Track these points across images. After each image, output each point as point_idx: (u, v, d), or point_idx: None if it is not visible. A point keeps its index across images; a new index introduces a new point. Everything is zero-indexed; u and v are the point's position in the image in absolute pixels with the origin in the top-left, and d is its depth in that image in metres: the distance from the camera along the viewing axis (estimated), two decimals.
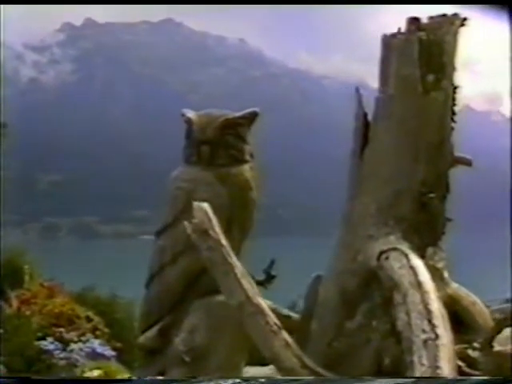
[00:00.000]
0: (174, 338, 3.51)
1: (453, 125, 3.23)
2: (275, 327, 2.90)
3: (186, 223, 3.16)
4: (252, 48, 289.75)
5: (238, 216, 3.61)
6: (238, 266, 3.02)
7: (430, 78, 3.14)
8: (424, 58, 3.15)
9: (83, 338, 8.60)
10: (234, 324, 3.50)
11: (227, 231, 3.47)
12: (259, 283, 3.76)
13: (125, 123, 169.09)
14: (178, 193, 3.63)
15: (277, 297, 3.59)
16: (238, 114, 3.71)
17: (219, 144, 3.64)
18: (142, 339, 3.60)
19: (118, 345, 9.50)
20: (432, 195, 3.14)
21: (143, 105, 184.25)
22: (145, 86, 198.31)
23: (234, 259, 3.04)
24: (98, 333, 9.30)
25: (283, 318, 3.62)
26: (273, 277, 3.84)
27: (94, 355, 8.70)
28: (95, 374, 7.58)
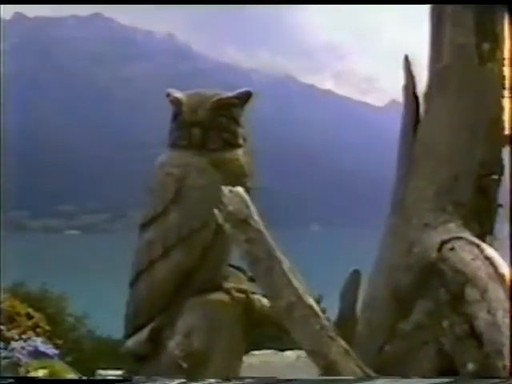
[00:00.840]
0: (168, 342, 3.14)
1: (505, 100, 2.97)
2: (332, 332, 2.55)
3: (216, 211, 2.78)
4: (181, 43, 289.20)
5: None
6: (285, 261, 2.67)
7: (486, 46, 2.89)
8: (479, 25, 2.88)
9: (24, 336, 8.31)
10: (234, 324, 3.25)
11: (220, 224, 3.20)
12: (252, 279, 3.45)
13: (54, 118, 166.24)
14: (168, 180, 3.25)
15: None
16: (231, 94, 3.37)
17: (211, 126, 3.29)
18: (130, 344, 3.21)
19: (59, 342, 9.25)
20: (493, 177, 2.87)
21: (71, 99, 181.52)
22: (74, 80, 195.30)
23: (278, 252, 2.68)
24: (38, 330, 9.06)
25: None
26: None
27: (37, 354, 8.41)
28: (40, 373, 7.34)
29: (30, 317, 8.93)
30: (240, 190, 2.80)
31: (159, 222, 3.23)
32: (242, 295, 3.30)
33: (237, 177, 3.27)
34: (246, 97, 3.38)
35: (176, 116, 3.37)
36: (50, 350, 8.91)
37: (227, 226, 2.71)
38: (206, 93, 3.36)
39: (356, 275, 3.18)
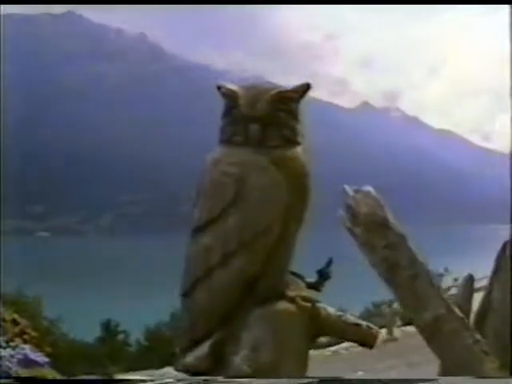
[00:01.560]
0: (232, 357, 2.87)
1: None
2: (485, 346, 2.30)
3: (341, 212, 2.52)
4: (153, 41, 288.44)
5: (295, 207, 3.01)
6: (430, 269, 2.41)
7: None
8: None
9: (12, 344, 8.12)
10: (300, 335, 3.01)
11: (285, 226, 2.96)
12: (311, 286, 3.22)
13: (23, 117, 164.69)
14: (225, 179, 2.96)
15: None
16: (290, 87, 3.11)
17: (271, 122, 3.02)
18: (190, 360, 2.92)
19: (48, 349, 9.02)
20: None
21: (42, 97, 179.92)
22: (44, 77, 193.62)
23: (420, 259, 2.43)
24: (25, 337, 8.84)
25: (353, 327, 3.11)
26: (326, 278, 3.28)
27: (27, 362, 8.22)
28: None
29: (16, 323, 8.75)
30: (371, 189, 2.54)
31: (217, 226, 2.96)
32: (308, 304, 3.06)
33: (299, 176, 3.03)
34: (304, 90, 3.13)
35: (230, 110, 3.10)
36: (41, 358, 8.65)
37: (359, 231, 2.44)
38: (263, 86, 3.11)
39: (471, 281, 2.94)
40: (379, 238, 2.49)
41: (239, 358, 2.86)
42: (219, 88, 3.16)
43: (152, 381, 3.08)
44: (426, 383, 3.08)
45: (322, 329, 3.11)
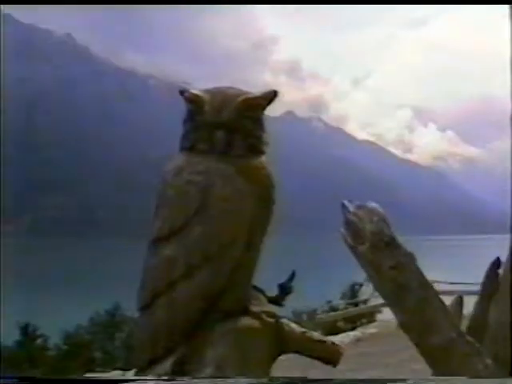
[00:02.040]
0: (195, 374, 2.73)
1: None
2: (496, 370, 2.21)
3: (342, 231, 2.38)
4: (79, 44, 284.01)
5: (260, 219, 2.89)
6: (437, 291, 2.30)
7: None
8: None
9: None
10: (264, 352, 2.91)
11: (250, 238, 2.85)
12: (272, 301, 3.11)
13: None
14: (190, 188, 2.81)
15: None
16: (257, 94, 2.98)
17: (237, 129, 2.90)
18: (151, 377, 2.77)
19: None
20: None
21: None
22: None
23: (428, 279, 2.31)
24: None
25: (318, 344, 3.01)
26: (288, 292, 3.17)
27: None
28: None
29: None
30: (375, 205, 2.42)
31: (180, 237, 2.80)
32: (272, 320, 2.94)
33: (265, 187, 2.92)
34: (271, 97, 3.01)
35: (193, 116, 2.95)
36: None
37: (363, 249, 2.31)
38: (229, 91, 2.97)
39: (459, 302, 2.86)
40: (386, 258, 2.36)
41: (204, 376, 2.72)
42: (182, 92, 3.01)
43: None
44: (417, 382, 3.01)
45: (286, 345, 3.00)
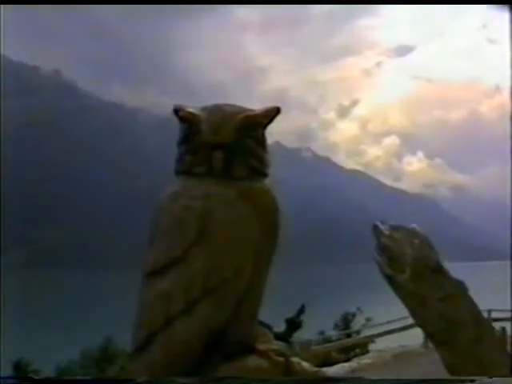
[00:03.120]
0: None
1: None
2: None
3: (377, 257, 2.09)
4: (66, 79, 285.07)
5: (266, 247, 2.63)
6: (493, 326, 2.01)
7: None
8: None
9: None
10: None
11: (255, 269, 2.57)
12: (279, 337, 2.83)
13: None
14: (187, 215, 2.54)
15: None
16: (258, 111, 2.74)
17: (237, 150, 2.64)
18: None
19: None
20: None
21: None
22: None
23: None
24: None
25: None
26: (297, 328, 2.90)
27: None
28: None
29: None
30: (414, 225, 2.14)
31: (178, 269, 2.53)
32: (281, 359, 2.66)
33: (269, 212, 2.66)
34: (274, 115, 2.77)
35: (189, 136, 2.70)
36: None
37: (403, 279, 2.01)
38: (227, 108, 2.73)
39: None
40: (433, 289, 2.03)
41: None
42: (176, 111, 2.76)
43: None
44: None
45: None
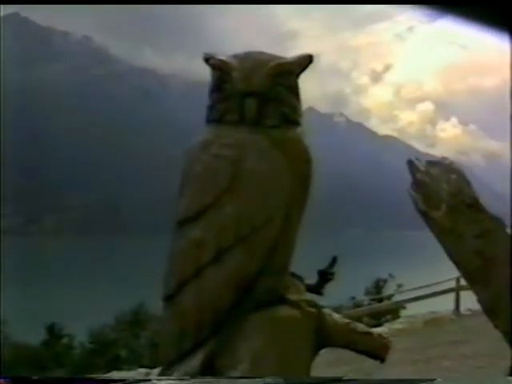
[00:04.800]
0: (228, 372, 2.42)
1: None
2: None
3: (412, 194, 2.03)
4: (97, 45, 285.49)
5: (298, 197, 2.58)
6: None
7: None
8: None
9: None
10: (305, 345, 2.56)
11: (287, 218, 2.52)
12: (311, 289, 2.78)
13: None
14: (219, 163, 2.51)
15: None
16: (291, 59, 2.67)
17: (270, 98, 2.58)
18: (179, 376, 2.45)
19: None
20: None
21: None
22: None
23: None
24: None
25: (363, 336, 2.70)
26: (329, 280, 2.86)
27: None
28: None
29: None
30: (452, 162, 2.06)
31: (209, 217, 2.49)
32: (313, 309, 2.62)
33: (302, 161, 2.60)
34: (306, 63, 2.70)
35: (221, 84, 2.64)
36: None
37: (438, 215, 1.94)
38: (259, 56, 2.67)
39: None
40: (469, 225, 1.95)
41: (238, 374, 2.39)
42: (207, 60, 2.71)
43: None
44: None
45: (328, 338, 2.67)
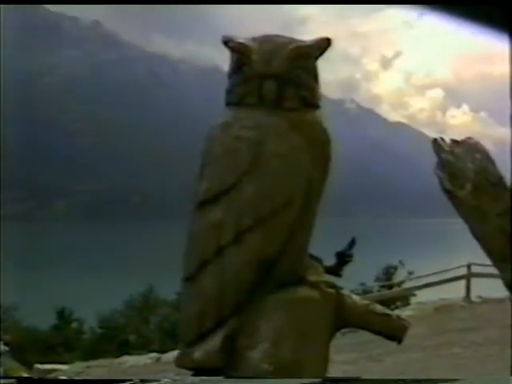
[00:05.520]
0: (249, 352, 2.44)
1: None
2: None
3: (438, 173, 2.05)
4: (107, 30, 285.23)
5: (317, 179, 2.60)
6: None
7: None
8: None
9: None
10: (324, 326, 2.59)
11: (306, 200, 2.54)
12: (330, 271, 2.81)
13: None
14: (239, 144, 2.53)
15: None
16: (310, 42, 2.69)
17: (289, 80, 2.60)
18: (200, 355, 2.46)
19: (8, 337, 8.88)
20: None
21: None
22: None
23: None
24: None
25: (381, 318, 2.72)
26: (347, 261, 2.88)
27: None
28: None
29: None
30: (475, 140, 2.09)
31: (229, 198, 2.51)
32: (332, 290, 2.65)
33: (321, 143, 2.63)
34: (325, 46, 2.71)
35: (240, 67, 2.65)
36: (1, 347, 8.32)
37: (464, 194, 1.97)
38: (278, 39, 2.68)
39: None
40: (493, 202, 1.98)
41: (259, 354, 2.42)
42: (226, 42, 2.72)
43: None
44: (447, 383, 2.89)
45: (346, 319, 2.70)
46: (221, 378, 2.53)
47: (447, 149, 2.28)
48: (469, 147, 2.16)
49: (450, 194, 2.20)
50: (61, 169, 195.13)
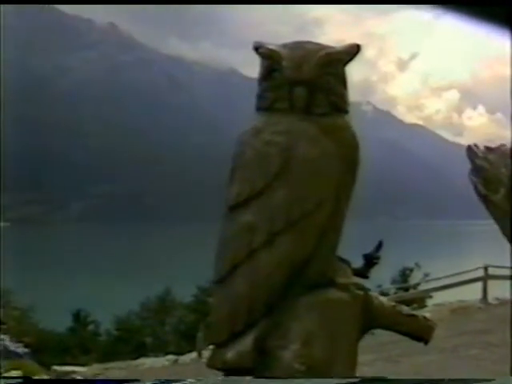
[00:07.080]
0: (281, 352, 2.50)
1: None
2: None
3: (473, 179, 2.12)
4: (122, 32, 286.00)
5: (346, 183, 2.66)
6: None
7: None
8: None
9: None
10: (353, 327, 2.65)
11: (336, 203, 2.60)
12: (358, 273, 2.86)
13: None
14: (270, 149, 2.58)
15: None
16: (339, 48, 2.73)
17: (319, 86, 2.65)
18: (232, 356, 2.52)
19: (27, 339, 8.95)
20: None
21: (7, 91, 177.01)
22: (12, 70, 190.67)
23: None
24: (3, 327, 8.79)
25: (408, 318, 2.77)
26: (375, 264, 2.93)
27: (7, 353, 8.12)
28: (13, 374, 7.00)
29: None
30: (507, 147, 2.15)
31: (261, 202, 2.56)
32: (361, 292, 2.70)
33: (350, 148, 2.68)
34: (354, 52, 2.76)
35: (271, 73, 2.71)
36: (20, 349, 8.40)
37: (497, 198, 2.03)
38: (308, 45, 2.73)
39: None
40: None
41: (290, 354, 2.47)
42: (257, 48, 2.78)
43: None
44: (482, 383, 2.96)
45: (375, 320, 2.76)
46: (249, 378, 2.58)
47: (481, 155, 2.34)
48: (501, 153, 2.21)
49: (484, 198, 2.25)
50: (75, 172, 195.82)
